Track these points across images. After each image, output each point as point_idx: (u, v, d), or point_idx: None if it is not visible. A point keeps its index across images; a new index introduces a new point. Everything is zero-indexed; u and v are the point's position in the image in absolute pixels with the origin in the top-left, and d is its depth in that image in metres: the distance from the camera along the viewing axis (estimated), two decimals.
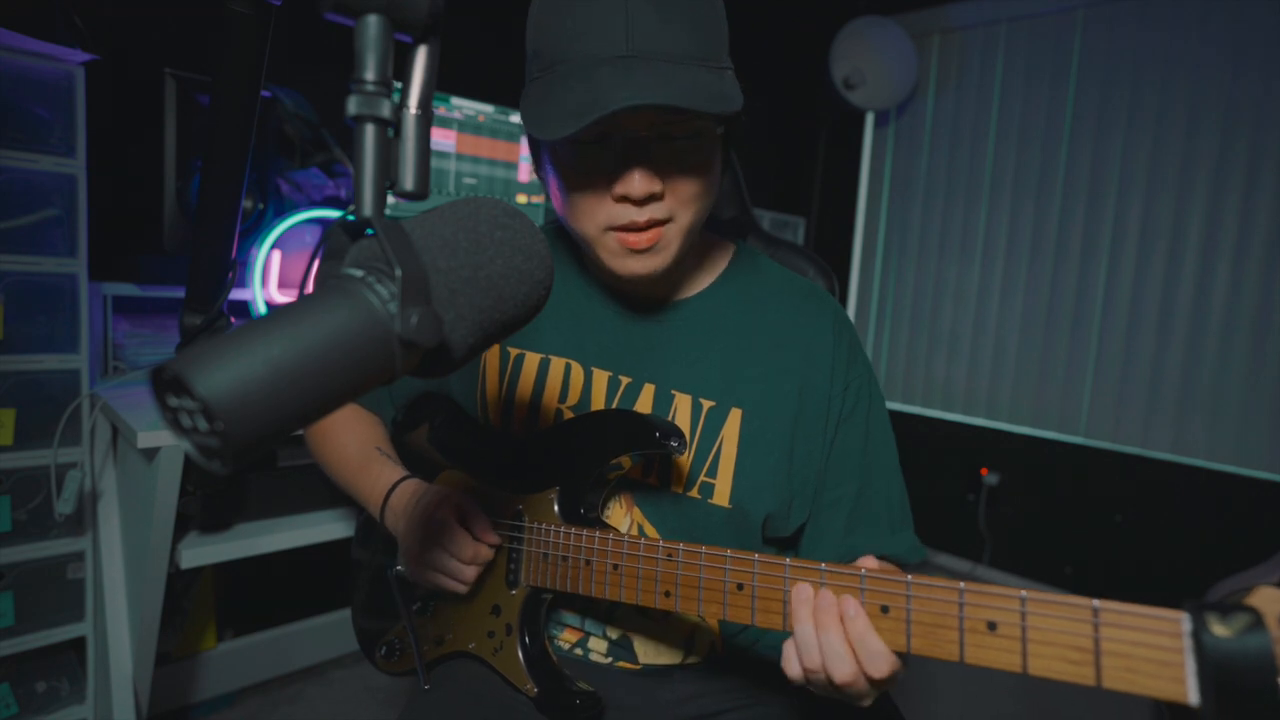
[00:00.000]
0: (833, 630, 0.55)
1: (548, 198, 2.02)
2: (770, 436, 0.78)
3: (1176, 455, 2.47)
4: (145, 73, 1.36)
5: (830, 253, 3.24)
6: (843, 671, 0.55)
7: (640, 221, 0.69)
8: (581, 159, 0.69)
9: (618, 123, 0.66)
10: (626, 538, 0.69)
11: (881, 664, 0.54)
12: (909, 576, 0.53)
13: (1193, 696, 0.43)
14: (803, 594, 0.58)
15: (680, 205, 0.70)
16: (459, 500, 0.76)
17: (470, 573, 0.76)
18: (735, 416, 0.78)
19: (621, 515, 0.81)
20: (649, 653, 0.83)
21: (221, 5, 0.91)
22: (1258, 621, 0.42)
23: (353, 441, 0.90)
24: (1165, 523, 2.49)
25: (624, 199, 0.68)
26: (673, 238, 0.72)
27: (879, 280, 3.22)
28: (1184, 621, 0.44)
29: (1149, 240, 2.51)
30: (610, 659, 0.83)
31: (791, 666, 0.58)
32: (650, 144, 0.67)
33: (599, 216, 0.70)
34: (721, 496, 0.78)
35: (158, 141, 1.35)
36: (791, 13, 2.97)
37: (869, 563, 0.58)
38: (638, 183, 0.66)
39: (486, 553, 0.76)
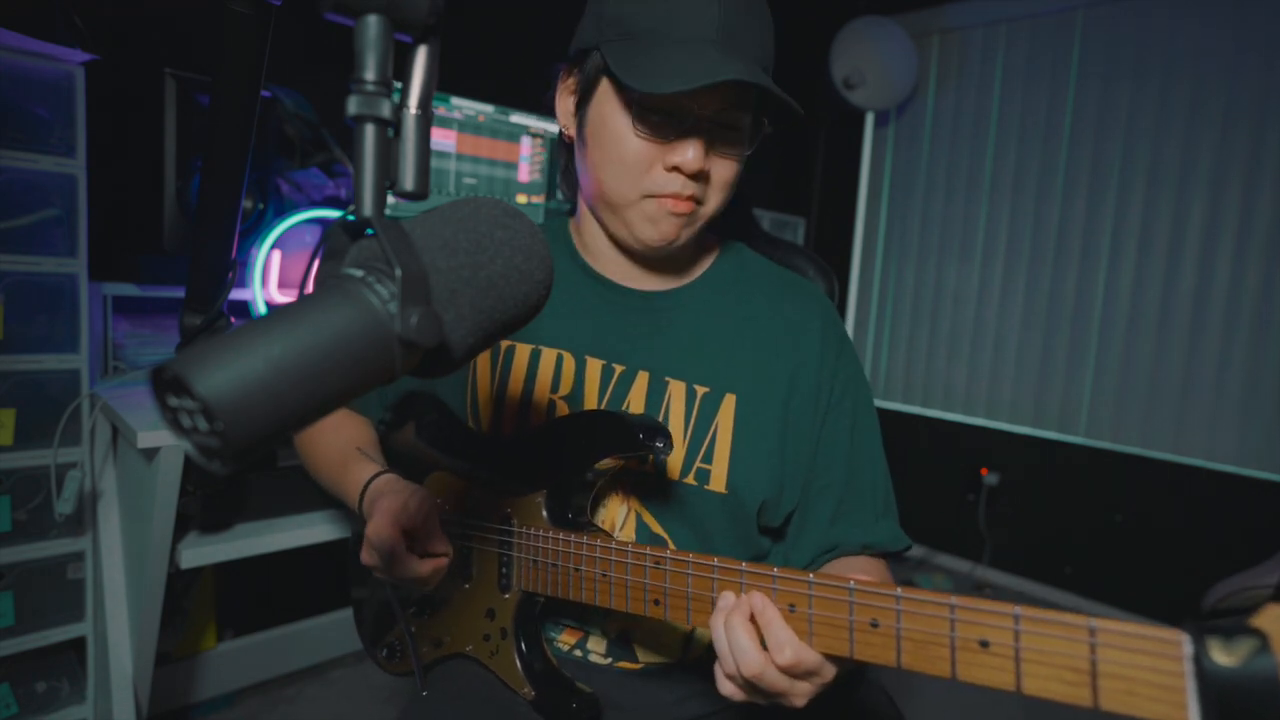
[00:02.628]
0: (738, 627, 0.56)
1: (548, 197, 2.03)
2: (763, 421, 0.79)
3: (1176, 455, 2.47)
4: (145, 73, 1.36)
5: (830, 253, 3.23)
6: (750, 663, 0.55)
7: (684, 195, 0.73)
8: (645, 122, 0.72)
9: (695, 97, 0.69)
10: (614, 544, 0.69)
11: (786, 651, 0.55)
12: (898, 590, 0.52)
13: None
14: (722, 601, 0.59)
15: (713, 190, 0.76)
16: (406, 517, 0.73)
17: (426, 578, 0.74)
18: (729, 402, 0.79)
19: (618, 504, 0.80)
20: (649, 651, 0.83)
21: (221, 5, 0.90)
22: (1263, 646, 0.39)
23: (336, 443, 0.90)
24: (1165, 523, 2.49)
25: (675, 169, 0.72)
26: (701, 216, 0.77)
27: (879, 280, 3.22)
28: (1185, 644, 0.41)
29: (1149, 240, 2.51)
30: (610, 659, 0.83)
31: (718, 681, 0.59)
32: (709, 125, 0.72)
33: (643, 182, 0.73)
34: (718, 482, 0.78)
35: (158, 141, 1.35)
36: (791, 13, 2.97)
37: (856, 574, 0.58)
38: (694, 157, 0.71)
39: (440, 568, 0.75)
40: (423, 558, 0.74)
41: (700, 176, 0.73)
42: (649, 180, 0.73)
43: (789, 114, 0.71)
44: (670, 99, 0.69)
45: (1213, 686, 0.40)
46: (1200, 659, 0.40)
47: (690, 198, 0.74)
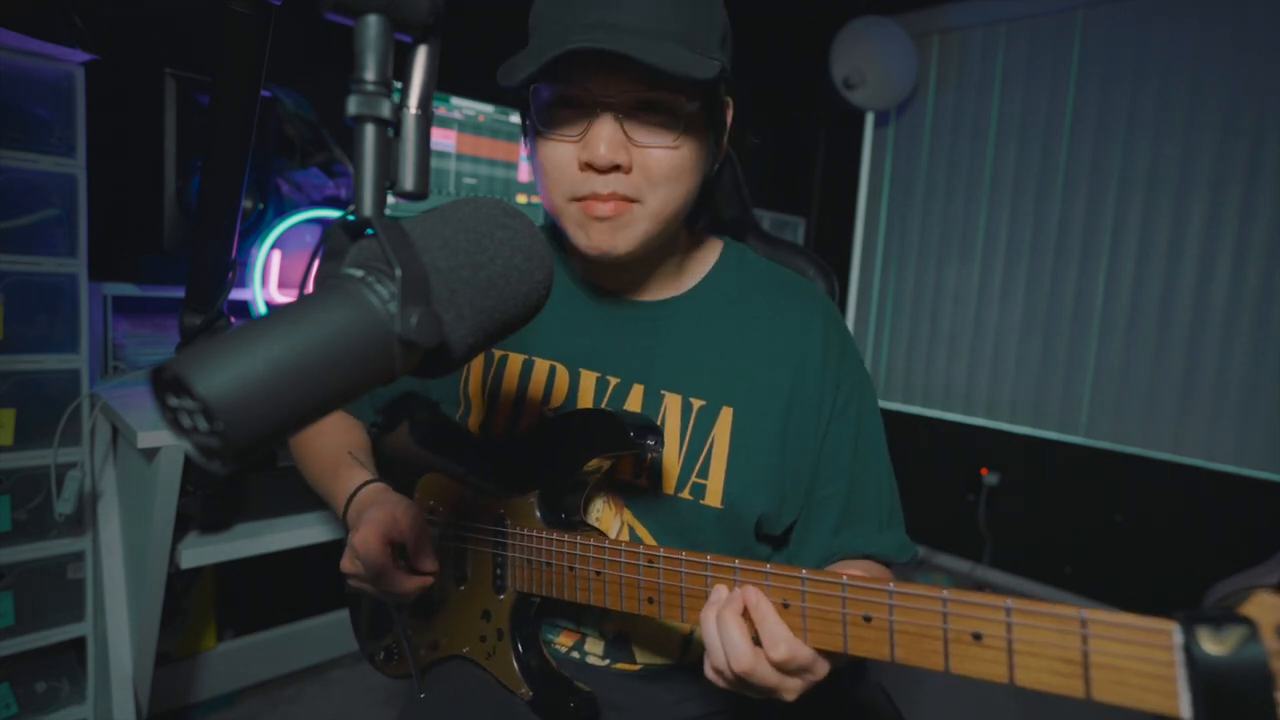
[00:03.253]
0: (730, 622, 0.56)
1: None
2: (762, 435, 0.77)
3: (1176, 455, 2.47)
4: (145, 73, 1.36)
5: (830, 253, 3.23)
6: (741, 658, 0.55)
7: (603, 194, 0.69)
8: (551, 122, 0.70)
9: (587, 85, 0.67)
10: (607, 543, 0.68)
11: (781, 647, 0.54)
12: (891, 585, 0.52)
13: (1185, 711, 0.41)
14: (715, 595, 0.59)
15: (648, 185, 0.70)
16: (393, 533, 0.73)
17: (408, 592, 0.75)
18: (726, 415, 0.78)
19: (612, 517, 0.80)
20: (647, 653, 0.82)
21: (221, 5, 0.91)
22: (1252, 635, 0.40)
23: (328, 446, 0.89)
24: (1165, 523, 2.49)
25: (588, 167, 0.68)
26: (639, 218, 0.70)
27: (879, 280, 3.22)
28: (1175, 634, 0.42)
29: (1149, 240, 2.51)
30: (607, 661, 0.83)
31: (706, 672, 0.59)
32: (620, 113, 0.68)
33: (564, 185, 0.70)
34: (714, 497, 0.77)
35: (158, 141, 1.35)
36: (791, 13, 2.97)
37: (852, 570, 0.58)
38: (602, 151, 0.67)
39: (422, 583, 0.75)
40: (410, 574, 0.74)
41: (619, 169, 0.68)
42: (568, 183, 0.70)
43: (690, 77, 0.64)
44: (570, 91, 0.67)
45: (1203, 675, 0.41)
46: (1190, 648, 0.41)
47: (613, 196, 0.69)
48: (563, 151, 0.70)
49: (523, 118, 0.77)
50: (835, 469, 0.80)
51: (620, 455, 0.75)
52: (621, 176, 0.69)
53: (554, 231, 0.89)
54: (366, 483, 0.81)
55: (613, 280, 0.82)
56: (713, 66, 0.65)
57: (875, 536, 0.80)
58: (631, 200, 0.70)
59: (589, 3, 0.65)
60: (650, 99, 0.68)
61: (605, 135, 0.67)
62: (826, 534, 0.80)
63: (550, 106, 0.69)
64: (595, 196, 0.69)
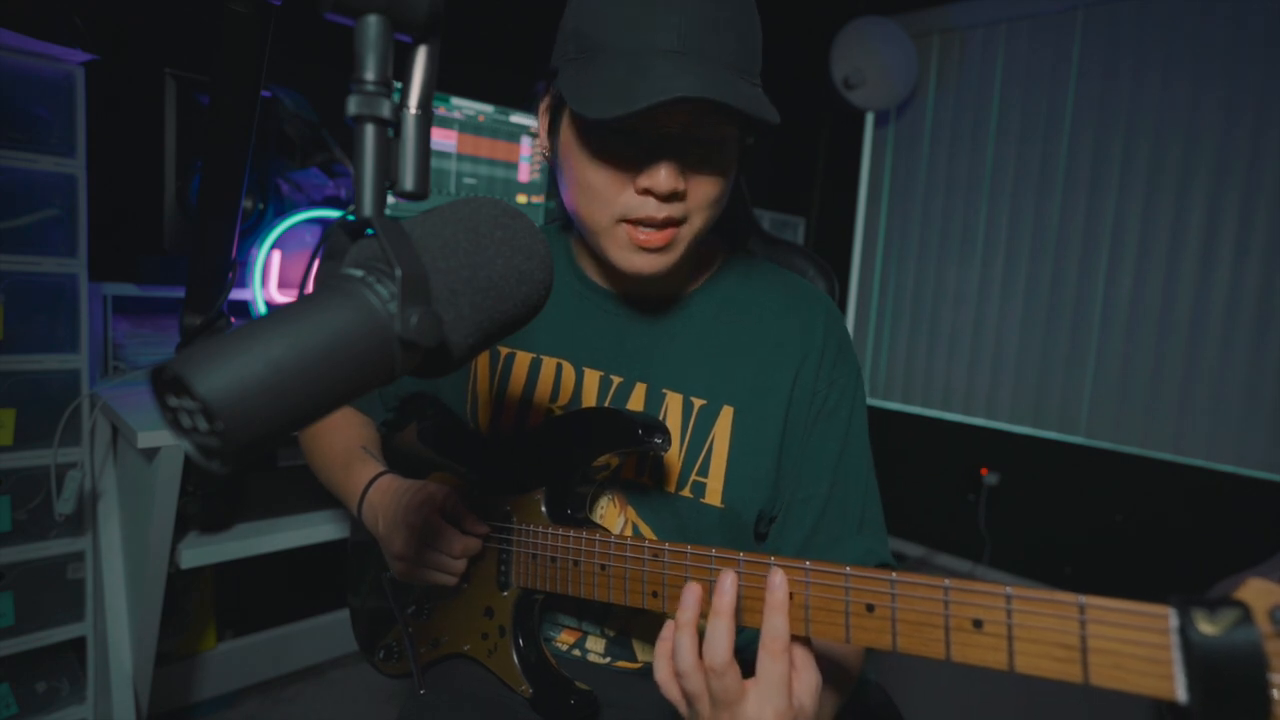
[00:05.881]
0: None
1: (548, 197, 2.03)
2: (761, 435, 0.78)
3: (1176, 455, 2.47)
4: (145, 73, 1.36)
5: (830, 253, 3.24)
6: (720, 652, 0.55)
7: (658, 218, 0.69)
8: (607, 147, 0.68)
9: (655, 116, 0.65)
10: (614, 538, 0.68)
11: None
12: (893, 575, 0.52)
13: (1181, 694, 0.42)
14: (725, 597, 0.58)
15: (696, 208, 0.70)
16: (441, 497, 0.76)
17: (459, 565, 0.76)
18: (727, 415, 0.78)
19: (615, 515, 0.80)
20: (648, 650, 0.82)
21: (221, 5, 0.91)
22: (1246, 617, 0.41)
23: (339, 441, 0.90)
24: (1165, 523, 2.49)
25: (647, 192, 0.68)
26: (684, 239, 0.72)
27: (879, 280, 3.22)
28: (1170, 617, 0.43)
29: (1149, 240, 2.52)
30: (609, 659, 0.83)
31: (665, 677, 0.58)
32: (681, 142, 0.67)
33: (615, 206, 0.69)
34: (714, 496, 0.77)
35: (158, 141, 1.35)
36: (791, 13, 2.97)
37: None
38: (664, 178, 0.66)
39: (475, 544, 0.76)
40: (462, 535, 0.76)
41: (676, 196, 0.68)
42: (621, 205, 0.69)
43: (771, 122, 0.65)
44: (633, 118, 0.63)
45: (1198, 656, 0.41)
46: (1186, 630, 0.42)
47: (667, 220, 0.69)
48: (617, 174, 0.68)
49: (552, 120, 0.75)
50: (819, 469, 0.80)
51: (628, 452, 0.75)
52: (677, 202, 0.69)
53: (562, 231, 0.89)
54: (380, 475, 0.82)
55: (619, 280, 0.82)
56: (775, 112, 0.66)
57: (849, 543, 0.80)
58: (680, 223, 0.71)
59: (661, 27, 0.63)
60: (721, 132, 0.68)
61: (668, 163, 0.66)
62: (802, 536, 0.80)
63: (612, 131, 0.67)
64: (650, 222, 0.69)
